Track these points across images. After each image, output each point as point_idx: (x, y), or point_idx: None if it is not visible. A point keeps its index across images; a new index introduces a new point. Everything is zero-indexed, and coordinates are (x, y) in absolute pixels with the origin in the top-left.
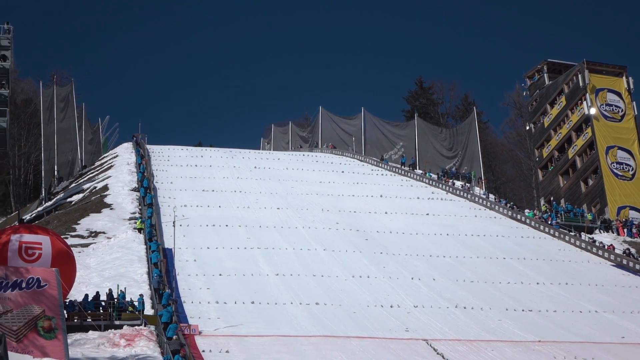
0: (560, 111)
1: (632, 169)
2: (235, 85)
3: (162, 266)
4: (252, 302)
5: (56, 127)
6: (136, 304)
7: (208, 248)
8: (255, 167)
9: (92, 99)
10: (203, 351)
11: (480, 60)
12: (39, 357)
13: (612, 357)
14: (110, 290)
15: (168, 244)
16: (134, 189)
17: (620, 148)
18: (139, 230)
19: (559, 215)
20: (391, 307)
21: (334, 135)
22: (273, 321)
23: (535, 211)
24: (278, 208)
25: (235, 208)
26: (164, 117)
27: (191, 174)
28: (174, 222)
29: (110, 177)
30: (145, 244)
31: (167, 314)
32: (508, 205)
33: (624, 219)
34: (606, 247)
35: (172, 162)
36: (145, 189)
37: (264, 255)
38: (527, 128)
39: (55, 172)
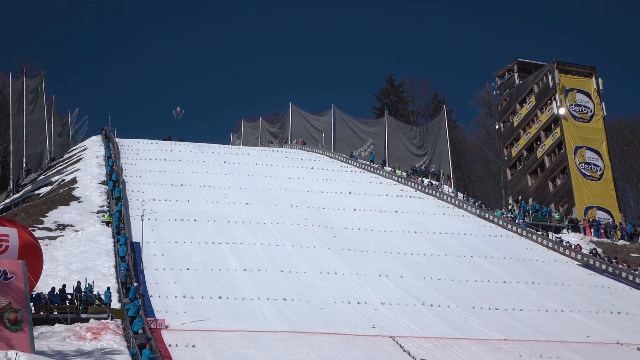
0: (529, 111)
1: (600, 170)
2: (205, 80)
3: (129, 260)
4: (220, 297)
5: (25, 119)
6: (103, 297)
7: (176, 242)
8: (224, 162)
9: (62, 91)
10: (169, 345)
11: (450, 59)
12: (4, 349)
13: (578, 356)
14: (78, 282)
15: (136, 237)
16: (103, 182)
17: (588, 148)
18: (107, 223)
19: (526, 214)
20: (358, 303)
21: (303, 132)
22: (240, 316)
23: (503, 210)
24: (247, 203)
25: (204, 202)
26: (133, 111)
27: (160, 167)
28: (142, 216)
29: (79, 169)
30: (113, 237)
31: (134, 308)
32: (476, 203)
33: (591, 219)
34: (573, 246)
35: (141, 155)
36: (114, 182)
37: (232, 250)
38: (497, 127)
39: (24, 164)
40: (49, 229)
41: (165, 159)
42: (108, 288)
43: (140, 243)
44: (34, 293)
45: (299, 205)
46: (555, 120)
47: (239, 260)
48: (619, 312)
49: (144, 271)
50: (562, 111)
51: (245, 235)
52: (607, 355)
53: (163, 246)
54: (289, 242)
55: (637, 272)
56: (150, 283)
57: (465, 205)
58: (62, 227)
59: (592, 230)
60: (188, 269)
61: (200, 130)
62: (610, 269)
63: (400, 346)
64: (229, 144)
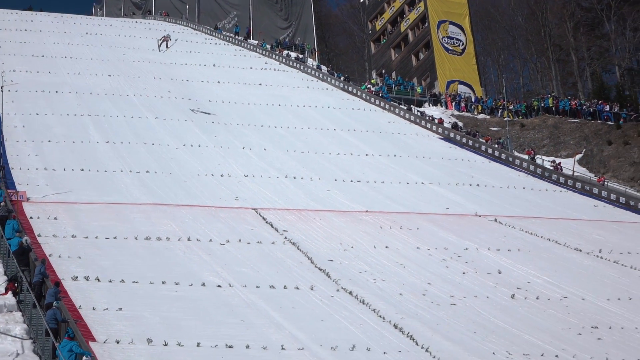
0: None
1: (463, 44)
2: None
3: None
4: (82, 170)
5: None
6: None
7: (37, 114)
8: (86, 33)
9: None
10: (31, 218)
11: None
12: None
13: (437, 227)
14: None
15: None
16: None
17: (451, 23)
18: None
19: (390, 88)
20: (221, 176)
21: (167, 3)
22: (103, 189)
23: (367, 83)
24: (109, 75)
25: (66, 74)
26: None
27: (20, 38)
28: (1, 87)
29: None
30: None
31: None
32: (342, 77)
33: (452, 93)
34: (436, 120)
35: (0, 26)
36: None
37: (94, 123)
38: (361, 0)
39: None
40: None
41: (25, 30)
42: None
43: (0, 115)
44: None
45: (162, 77)
46: None
47: (102, 132)
48: (477, 185)
49: (4, 143)
50: None
51: (108, 107)
52: (466, 226)
53: (24, 118)
54: (152, 115)
55: (496, 146)
56: (11, 155)
57: (329, 78)
58: None
59: (453, 104)
60: (49, 141)
61: (61, 0)
62: (470, 142)
63: (263, 218)
64: (91, 15)
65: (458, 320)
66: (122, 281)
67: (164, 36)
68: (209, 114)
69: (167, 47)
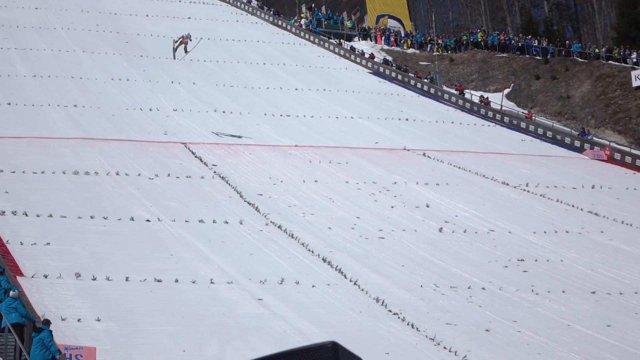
0: None
1: None
2: None
3: None
4: (9, 104)
5: None
6: None
7: None
8: None
9: None
10: None
11: None
12: None
13: (366, 162)
14: None
15: None
16: None
17: None
18: None
19: (319, 22)
20: (150, 110)
21: None
22: (30, 123)
23: (296, 18)
24: (36, 8)
25: None
26: None
27: None
28: None
29: None
30: None
31: None
32: (271, 11)
33: (382, 27)
34: (369, 56)
35: None
36: None
37: (21, 56)
38: None
39: None
40: None
41: None
42: None
43: None
44: None
45: (91, 10)
46: None
47: (28, 66)
48: (406, 119)
49: None
50: None
51: (35, 40)
52: (395, 160)
53: None
54: (79, 48)
55: (425, 81)
56: None
57: (258, 12)
58: None
59: (383, 38)
60: None
61: None
62: (399, 77)
63: (192, 152)
64: None
65: (386, 253)
66: (50, 216)
67: (182, 36)
68: (240, 137)
69: (185, 51)
